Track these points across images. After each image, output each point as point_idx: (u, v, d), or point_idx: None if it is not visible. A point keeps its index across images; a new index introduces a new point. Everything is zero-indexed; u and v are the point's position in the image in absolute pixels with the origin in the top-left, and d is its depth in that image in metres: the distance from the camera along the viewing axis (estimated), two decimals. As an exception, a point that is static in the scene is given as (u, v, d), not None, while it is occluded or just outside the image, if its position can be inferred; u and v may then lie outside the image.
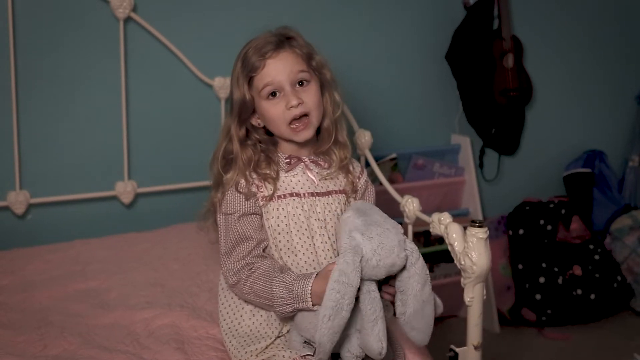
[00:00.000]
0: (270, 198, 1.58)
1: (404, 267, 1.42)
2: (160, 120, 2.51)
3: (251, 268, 1.53)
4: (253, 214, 1.58)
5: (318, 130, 1.66)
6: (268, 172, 1.59)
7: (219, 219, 1.61)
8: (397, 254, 1.39)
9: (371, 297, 1.40)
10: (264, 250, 1.58)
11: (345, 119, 1.83)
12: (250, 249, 1.55)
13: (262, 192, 1.58)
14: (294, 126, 1.58)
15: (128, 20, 2.39)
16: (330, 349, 1.36)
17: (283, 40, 1.60)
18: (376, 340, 1.37)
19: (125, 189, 2.44)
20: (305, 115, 1.58)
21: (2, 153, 2.32)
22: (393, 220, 1.45)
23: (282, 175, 1.61)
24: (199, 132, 2.47)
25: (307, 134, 1.60)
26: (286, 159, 1.63)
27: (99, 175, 2.44)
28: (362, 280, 1.38)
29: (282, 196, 1.58)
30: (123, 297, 1.88)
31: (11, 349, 1.59)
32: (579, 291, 2.91)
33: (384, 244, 1.39)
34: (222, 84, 2.47)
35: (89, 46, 2.39)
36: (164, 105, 2.51)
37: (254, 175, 1.59)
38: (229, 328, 1.59)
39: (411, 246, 1.43)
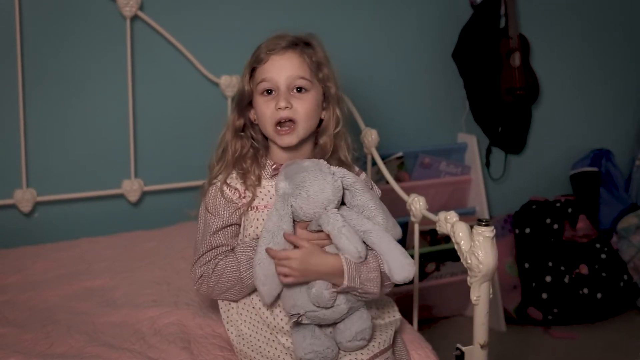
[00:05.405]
0: (250, 205, 1.55)
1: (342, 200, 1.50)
2: (166, 119, 2.51)
3: (216, 259, 1.53)
4: (234, 224, 1.56)
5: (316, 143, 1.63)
6: (250, 175, 1.56)
7: (201, 210, 1.60)
8: (323, 178, 1.46)
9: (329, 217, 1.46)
10: None
11: (351, 119, 1.81)
12: (220, 252, 1.54)
13: (243, 199, 1.55)
14: (279, 129, 1.55)
15: (135, 18, 2.40)
16: (266, 291, 1.45)
17: (298, 43, 1.57)
18: (348, 245, 1.43)
19: (131, 187, 2.45)
20: (292, 121, 1.54)
21: (8, 151, 2.33)
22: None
23: (268, 184, 1.57)
24: (206, 130, 2.44)
25: (290, 139, 1.55)
26: (273, 165, 1.58)
27: (105, 173, 2.44)
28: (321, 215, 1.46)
29: (264, 207, 1.55)
30: (129, 295, 1.88)
31: (18, 347, 1.59)
32: (586, 290, 2.90)
33: (308, 176, 1.46)
34: (228, 83, 2.47)
35: (95, 44, 2.40)
36: (170, 103, 2.51)
37: (238, 184, 1.56)
38: (233, 330, 1.58)
39: (337, 170, 1.50)
